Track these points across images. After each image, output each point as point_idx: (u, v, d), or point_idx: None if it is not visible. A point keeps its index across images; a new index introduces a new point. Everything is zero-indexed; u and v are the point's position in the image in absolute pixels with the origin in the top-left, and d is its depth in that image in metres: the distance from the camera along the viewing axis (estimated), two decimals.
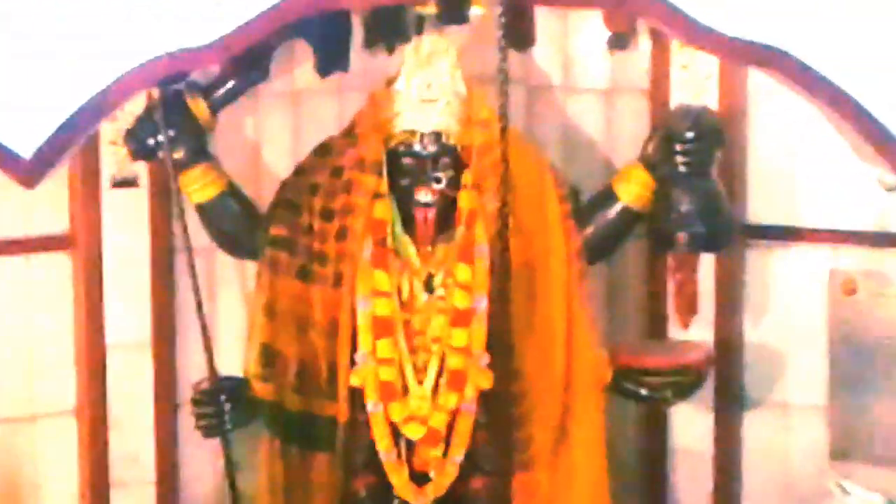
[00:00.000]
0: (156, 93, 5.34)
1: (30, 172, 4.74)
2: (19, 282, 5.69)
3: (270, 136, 5.98)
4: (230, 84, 5.57)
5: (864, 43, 4.83)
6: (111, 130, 5.50)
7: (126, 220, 5.76)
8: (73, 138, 4.78)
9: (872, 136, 4.86)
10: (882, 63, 4.83)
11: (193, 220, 5.57)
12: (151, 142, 5.44)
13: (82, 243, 5.69)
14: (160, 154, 5.44)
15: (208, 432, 5.57)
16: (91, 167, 5.64)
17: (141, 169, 5.69)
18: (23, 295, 5.71)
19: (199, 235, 5.60)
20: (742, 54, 4.96)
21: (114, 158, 5.65)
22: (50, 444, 5.76)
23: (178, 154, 5.44)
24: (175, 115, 5.43)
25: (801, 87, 4.90)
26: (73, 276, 5.72)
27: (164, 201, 5.73)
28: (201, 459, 5.91)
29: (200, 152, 5.49)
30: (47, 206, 5.62)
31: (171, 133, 5.39)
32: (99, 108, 4.73)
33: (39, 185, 4.84)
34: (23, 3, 4.67)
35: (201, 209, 5.54)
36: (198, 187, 5.50)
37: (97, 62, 4.69)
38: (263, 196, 5.68)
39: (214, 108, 5.54)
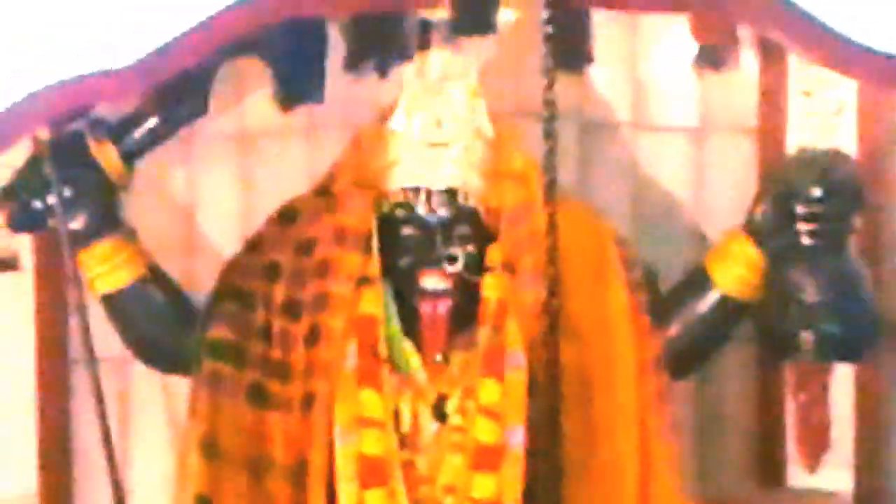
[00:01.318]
0: (45, 135, 5.24)
1: None
2: None
3: (210, 194, 5.89)
4: (152, 122, 5.42)
5: None
6: None
7: (2, 318, 5.71)
8: None
9: None
10: None
11: (100, 318, 5.45)
12: (39, 205, 5.31)
13: None
14: (51, 223, 5.32)
15: None
16: None
17: (24, 245, 5.63)
18: None
19: (108, 340, 5.49)
20: (892, 77, 4.95)
21: None
22: None
23: (78, 223, 5.29)
24: (73, 166, 5.29)
25: None
26: None
27: (55, 292, 5.67)
28: None
29: (109, 220, 5.33)
30: None
31: (68, 193, 5.27)
32: None
33: None
34: None
35: (110, 302, 5.37)
36: (104, 270, 5.33)
37: None
38: (200, 282, 5.55)
39: (129, 157, 5.40)
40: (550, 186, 5.00)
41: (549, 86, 4.98)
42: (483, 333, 5.26)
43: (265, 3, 4.81)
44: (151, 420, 5.87)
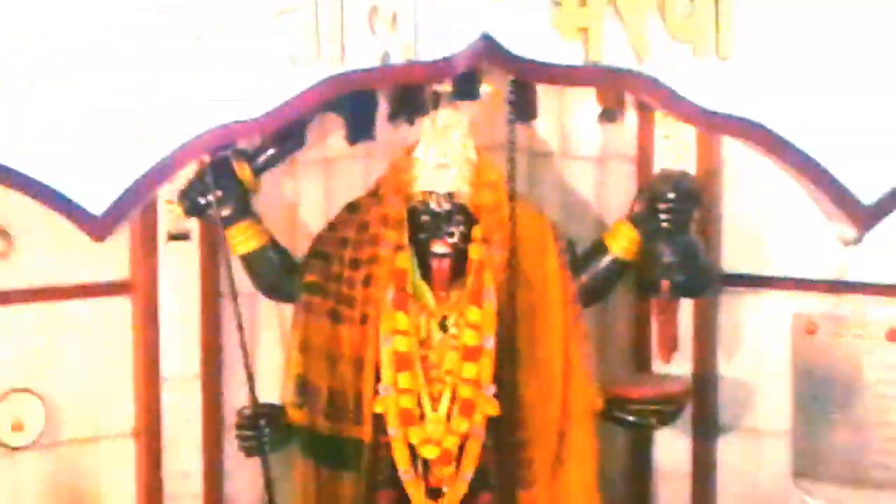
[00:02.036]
0: (206, 158, 5.38)
1: (101, 227, 4.77)
2: (85, 322, 5.76)
3: (305, 196, 6.02)
4: (271, 151, 5.60)
5: (826, 114, 4.87)
6: (168, 190, 5.52)
7: (179, 270, 5.83)
8: (139, 198, 4.81)
9: (835, 197, 4.93)
10: (843, 132, 4.88)
11: (238, 270, 5.62)
12: (202, 201, 5.48)
13: (140, 289, 5.77)
14: (210, 212, 5.50)
15: (249, 453, 5.62)
16: (149, 223, 5.71)
17: (193, 225, 5.77)
18: (88, 334, 5.77)
19: (243, 283, 5.64)
20: (720, 126, 5.03)
21: (170, 215, 5.70)
22: (111, 463, 5.84)
23: (226, 212, 5.48)
24: (223, 178, 5.46)
25: (772, 154, 4.95)
26: (133, 318, 5.79)
27: (212, 253, 5.80)
28: (244, 477, 5.94)
29: (244, 210, 5.52)
30: (110, 256, 5.69)
31: (220, 193, 5.44)
32: (162, 171, 4.76)
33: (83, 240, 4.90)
34: (94, 79, 4.70)
35: (245, 259, 5.58)
36: (242, 240, 5.53)
37: (160, 132, 4.73)
38: (299, 248, 5.73)
39: (257, 172, 5.57)
40: (512, 192, 5.30)
41: (512, 130, 5.19)
42: (469, 280, 5.51)
43: (341, 78, 4.75)
44: (270, 331, 5.99)
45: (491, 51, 4.72)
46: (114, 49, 4.65)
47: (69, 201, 4.70)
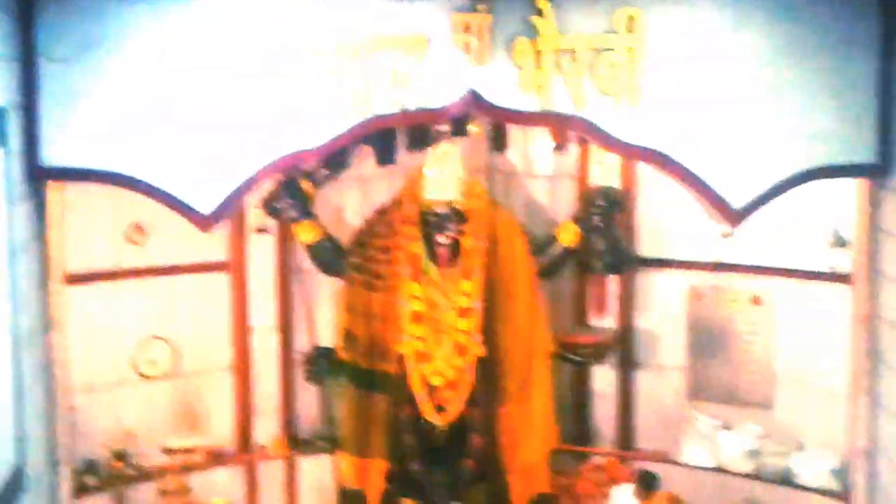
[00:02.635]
0: (279, 177, 5.43)
1: (208, 223, 4.80)
2: (197, 290, 5.76)
3: (349, 202, 6.07)
4: (325, 172, 5.68)
5: (707, 142, 4.90)
6: (254, 197, 5.54)
7: (262, 254, 5.88)
8: (236, 201, 4.87)
9: (712, 202, 4.97)
10: (719, 155, 4.92)
11: (302, 254, 5.70)
12: (278, 206, 5.58)
13: (235, 267, 5.86)
14: (283, 214, 5.59)
15: (312, 381, 5.81)
16: (241, 220, 5.80)
17: (272, 222, 5.81)
18: (199, 298, 5.78)
19: (306, 263, 5.75)
20: (633, 153, 5.07)
21: (256, 215, 5.76)
22: (216, 388, 5.89)
23: (294, 213, 5.58)
24: (292, 190, 5.55)
25: (668, 172, 5.00)
26: (230, 287, 5.87)
27: (285, 242, 5.87)
28: (309, 398, 6.01)
29: (307, 212, 5.61)
30: (213, 244, 5.73)
31: (291, 201, 5.54)
32: (251, 183, 4.80)
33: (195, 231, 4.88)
34: (208, 112, 4.72)
35: (307, 247, 5.67)
36: (305, 233, 5.61)
37: (251, 154, 4.77)
38: (345, 238, 5.74)
39: (317, 186, 5.64)
40: (492, 201, 5.47)
41: (492, 155, 5.53)
42: (463, 261, 5.55)
43: (373, 121, 4.81)
44: (326, 296, 5.92)
45: (476, 101, 4.84)
46: (219, 91, 4.70)
47: (185, 203, 4.74)
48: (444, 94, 4.82)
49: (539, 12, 4.72)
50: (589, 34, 4.77)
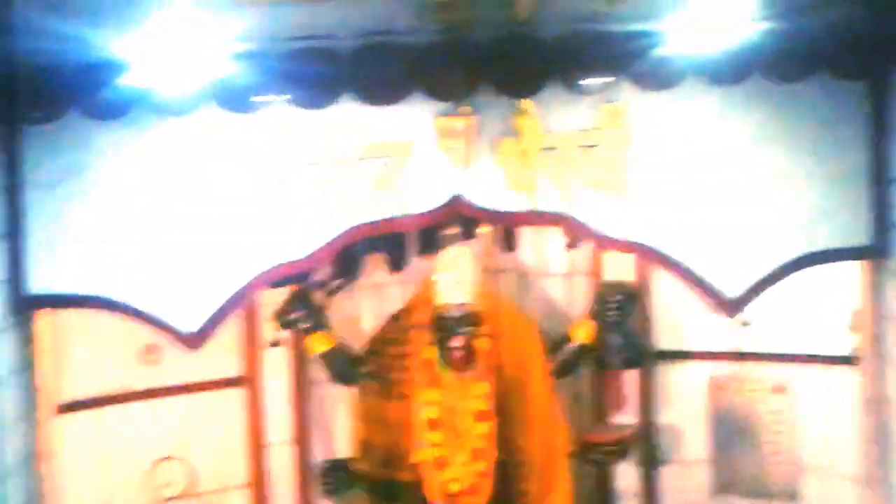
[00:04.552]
0: (292, 290, 5.41)
1: (195, 342, 4.75)
2: (212, 407, 5.71)
3: (363, 310, 6.00)
4: (337, 281, 5.67)
5: (699, 235, 4.83)
6: (267, 311, 5.55)
7: (277, 367, 5.82)
8: (222, 319, 4.78)
9: (706, 294, 4.87)
10: (711, 247, 4.85)
11: (317, 365, 5.61)
12: (291, 318, 5.51)
13: (250, 382, 5.79)
14: (296, 326, 5.51)
15: (328, 494, 5.67)
16: (254, 334, 5.75)
17: (285, 334, 5.73)
18: (215, 415, 5.74)
19: (320, 374, 5.67)
20: (622, 247, 4.96)
21: (269, 329, 5.68)
22: None
23: (306, 325, 5.51)
24: (304, 301, 5.50)
25: (661, 266, 4.94)
26: (245, 403, 5.78)
27: (300, 354, 5.79)
28: None
29: (320, 323, 5.55)
30: (227, 360, 5.70)
31: (303, 313, 5.48)
32: (238, 299, 4.75)
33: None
34: (186, 224, 4.70)
35: (321, 358, 5.58)
36: (318, 344, 5.54)
37: (236, 269, 4.73)
38: (358, 347, 5.67)
39: (328, 296, 5.63)
40: (506, 302, 5.33)
41: (504, 255, 5.34)
42: (477, 365, 5.41)
43: (360, 228, 4.77)
44: (342, 406, 5.88)
45: (462, 205, 4.78)
46: (202, 206, 4.68)
47: (170, 325, 4.68)
48: (430, 199, 4.78)
49: (523, 113, 4.67)
50: (573, 131, 4.73)
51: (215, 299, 4.67)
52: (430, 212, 4.76)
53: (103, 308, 4.63)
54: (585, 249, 6.01)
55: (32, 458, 4.68)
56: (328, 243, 4.73)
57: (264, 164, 4.64)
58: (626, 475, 6.08)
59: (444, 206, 4.75)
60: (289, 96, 4.59)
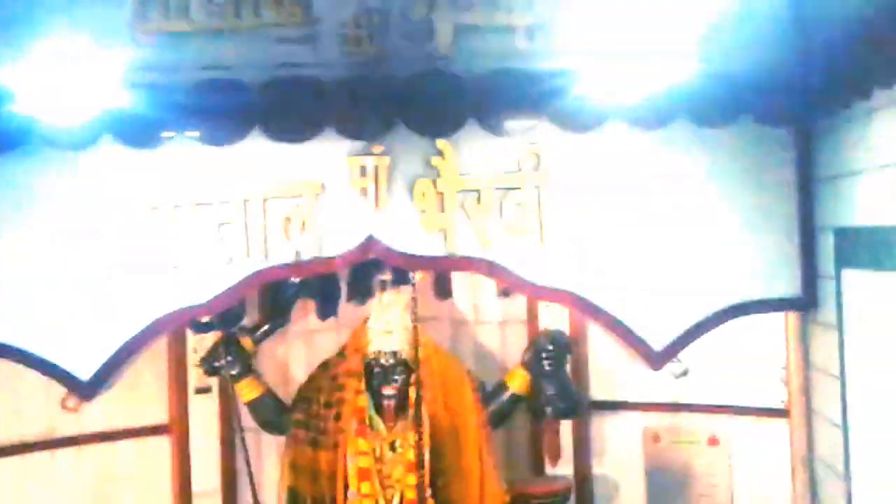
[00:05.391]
0: (218, 336, 5.33)
1: (88, 389, 4.47)
2: (134, 455, 5.58)
3: (293, 357, 5.91)
4: (266, 327, 5.58)
5: (624, 281, 4.64)
6: (193, 357, 5.46)
7: (204, 414, 5.71)
8: (118, 366, 4.51)
9: (632, 344, 4.68)
10: (637, 294, 4.65)
11: (245, 412, 5.49)
12: (217, 364, 5.41)
13: (176, 429, 5.66)
14: (223, 372, 5.42)
15: None
16: (181, 381, 5.64)
17: (213, 381, 5.65)
18: (138, 463, 5.60)
19: (249, 421, 5.53)
20: (543, 294, 4.76)
21: (195, 375, 5.59)
22: None
23: (234, 371, 5.40)
24: (231, 347, 5.39)
25: (584, 314, 4.74)
26: (173, 450, 5.65)
27: (227, 401, 5.68)
28: None
29: (248, 369, 5.44)
30: (152, 407, 5.58)
31: (230, 359, 5.38)
32: (134, 345, 4.49)
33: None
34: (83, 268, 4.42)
35: (249, 405, 5.48)
36: (247, 391, 5.44)
37: (133, 314, 4.47)
38: (289, 394, 5.60)
39: (256, 342, 5.51)
40: (439, 349, 5.22)
41: (437, 302, 5.20)
42: (410, 412, 5.30)
43: (265, 272, 4.49)
44: (270, 455, 5.75)
45: (376, 248, 4.56)
46: (98, 246, 4.44)
47: (63, 370, 4.43)
48: (341, 241, 4.53)
49: (439, 152, 4.48)
50: (492, 174, 4.53)
51: (110, 345, 4.44)
52: (342, 255, 4.53)
53: None
54: (520, 297, 5.88)
55: None
56: (231, 287, 4.50)
57: (166, 203, 4.42)
58: None
59: (358, 248, 4.53)
60: (193, 131, 4.36)
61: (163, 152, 4.41)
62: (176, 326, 4.78)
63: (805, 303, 4.66)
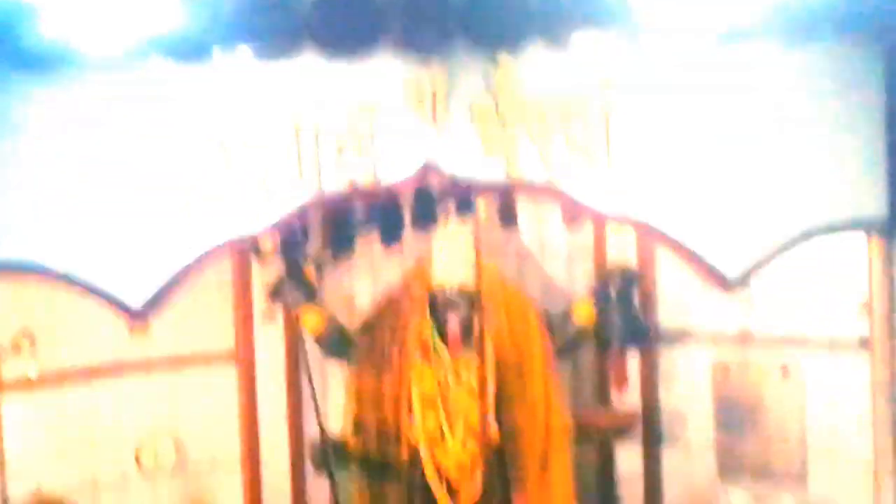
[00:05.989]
0: (282, 265, 5.29)
1: (140, 317, 4.41)
2: (203, 381, 5.57)
3: (358, 286, 5.88)
4: (329, 256, 5.54)
5: (696, 205, 4.52)
6: (261, 284, 5.43)
7: (270, 342, 5.69)
8: (169, 294, 4.44)
9: (703, 272, 4.58)
10: (710, 218, 4.52)
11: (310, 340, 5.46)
12: (282, 293, 5.37)
13: (242, 356, 5.65)
14: (288, 301, 5.39)
15: (320, 472, 5.52)
16: (247, 309, 5.62)
17: (278, 309, 5.58)
18: (206, 389, 5.58)
19: (315, 350, 5.51)
20: (613, 221, 4.76)
21: (261, 303, 5.56)
22: (225, 482, 5.65)
23: (298, 300, 5.37)
24: (296, 276, 5.36)
25: (654, 240, 4.79)
26: (239, 376, 5.65)
27: (292, 329, 5.61)
28: (319, 486, 5.69)
29: (313, 298, 5.42)
30: (219, 334, 5.58)
31: (294, 288, 5.34)
32: (189, 272, 4.42)
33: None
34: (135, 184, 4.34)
35: (315, 334, 5.44)
36: (312, 319, 5.41)
37: (184, 239, 4.40)
38: (354, 324, 5.57)
39: (320, 271, 5.49)
40: (504, 280, 5.13)
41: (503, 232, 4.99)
42: (474, 343, 5.20)
43: (321, 199, 4.40)
44: (336, 382, 5.69)
45: (434, 172, 4.45)
46: (148, 171, 4.34)
47: (112, 296, 4.36)
48: (397, 166, 4.41)
49: (500, 71, 4.32)
50: (557, 93, 4.35)
51: (162, 273, 4.36)
52: (398, 180, 4.42)
53: (37, 277, 4.32)
54: (587, 227, 5.80)
55: None
56: (288, 214, 4.41)
57: (216, 126, 4.29)
58: (629, 457, 5.90)
59: (415, 173, 4.41)
60: (243, 47, 4.20)
61: (212, 72, 4.28)
62: (229, 254, 4.70)
63: (891, 226, 4.51)
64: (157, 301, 4.39)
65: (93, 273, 4.35)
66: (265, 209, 4.41)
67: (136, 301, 4.37)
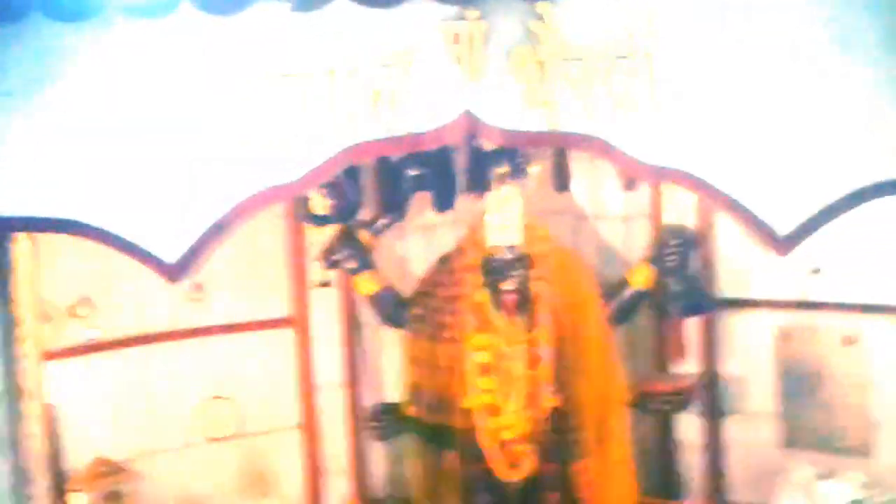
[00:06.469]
0: (336, 229, 5.28)
1: (175, 272, 4.33)
2: (260, 348, 5.60)
3: (411, 251, 5.82)
4: (383, 220, 5.47)
5: (746, 158, 4.30)
6: (315, 250, 5.40)
7: (325, 308, 5.67)
8: (205, 248, 4.35)
9: (754, 229, 4.37)
10: (761, 173, 4.31)
11: (365, 306, 5.49)
12: (336, 258, 5.39)
13: (299, 322, 5.66)
14: (342, 266, 5.40)
15: (378, 438, 5.56)
16: (301, 274, 5.60)
17: (333, 275, 5.59)
18: (263, 356, 5.62)
19: (370, 316, 5.54)
20: (657, 175, 4.45)
21: (316, 269, 5.54)
22: (283, 449, 5.68)
23: (353, 265, 5.38)
24: (350, 241, 5.37)
25: (702, 196, 4.50)
26: (295, 342, 5.66)
27: (348, 294, 5.64)
28: (377, 454, 5.78)
29: (367, 264, 5.41)
30: (275, 299, 5.58)
31: (348, 253, 5.35)
32: (222, 227, 4.32)
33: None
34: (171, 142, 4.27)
35: (369, 299, 5.47)
36: (366, 284, 5.42)
37: (220, 193, 4.30)
38: (408, 289, 5.53)
39: (374, 235, 5.45)
40: (559, 244, 5.03)
41: (558, 196, 4.92)
42: (529, 309, 5.21)
43: (355, 149, 4.24)
44: (392, 349, 5.63)
45: (472, 123, 4.30)
46: (181, 125, 4.26)
47: (147, 252, 4.29)
48: (435, 116, 4.26)
49: (540, 17, 4.15)
50: (600, 39, 4.16)
51: (197, 227, 4.29)
52: (436, 130, 4.26)
53: (68, 231, 4.28)
54: (643, 189, 5.67)
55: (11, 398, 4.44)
56: (319, 165, 4.29)
57: (248, 76, 4.20)
58: (689, 427, 5.77)
59: (453, 123, 4.26)
60: None
61: (244, 20, 4.19)
62: (263, 207, 4.52)
63: None
64: (192, 256, 4.32)
65: (128, 229, 4.31)
66: (301, 160, 4.32)
67: (170, 256, 4.31)
